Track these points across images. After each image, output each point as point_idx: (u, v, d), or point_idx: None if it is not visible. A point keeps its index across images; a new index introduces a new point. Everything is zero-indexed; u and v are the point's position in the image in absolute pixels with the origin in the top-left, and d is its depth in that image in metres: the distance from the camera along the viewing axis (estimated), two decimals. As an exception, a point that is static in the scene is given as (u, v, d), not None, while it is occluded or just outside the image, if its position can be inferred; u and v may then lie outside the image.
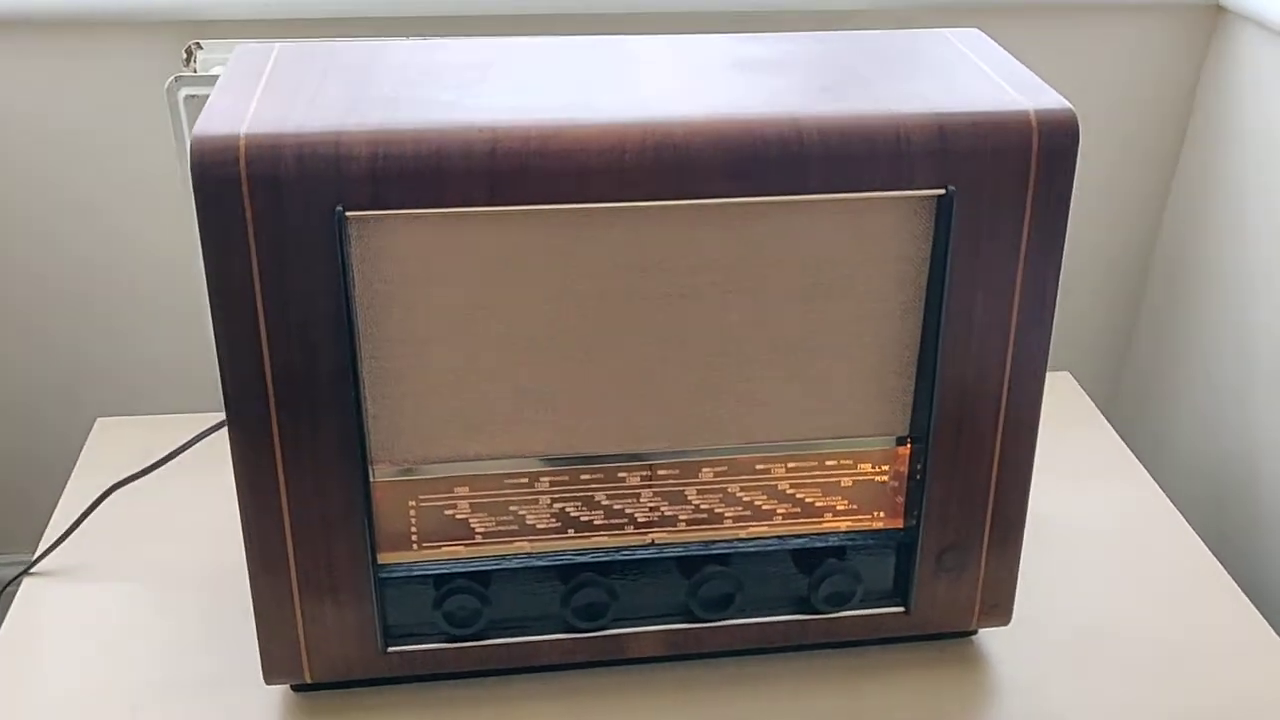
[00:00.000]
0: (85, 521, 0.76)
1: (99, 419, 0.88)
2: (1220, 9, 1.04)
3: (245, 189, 0.54)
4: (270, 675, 0.64)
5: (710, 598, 0.65)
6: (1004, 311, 0.61)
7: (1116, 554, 0.79)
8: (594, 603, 0.64)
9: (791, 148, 0.56)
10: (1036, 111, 0.58)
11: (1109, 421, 0.91)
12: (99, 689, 0.67)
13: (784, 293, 0.60)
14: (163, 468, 0.74)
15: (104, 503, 0.76)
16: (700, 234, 0.58)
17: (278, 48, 0.64)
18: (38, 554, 0.75)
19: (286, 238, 0.55)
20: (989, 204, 0.58)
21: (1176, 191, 1.13)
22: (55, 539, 0.76)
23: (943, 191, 0.58)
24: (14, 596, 0.74)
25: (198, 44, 0.88)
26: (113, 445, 0.85)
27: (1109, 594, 0.76)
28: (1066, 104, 0.58)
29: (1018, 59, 0.64)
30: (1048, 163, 0.58)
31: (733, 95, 0.59)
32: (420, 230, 0.56)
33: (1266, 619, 0.74)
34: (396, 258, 0.56)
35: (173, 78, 0.84)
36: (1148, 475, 0.86)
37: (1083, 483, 0.85)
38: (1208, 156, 1.09)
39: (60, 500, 0.80)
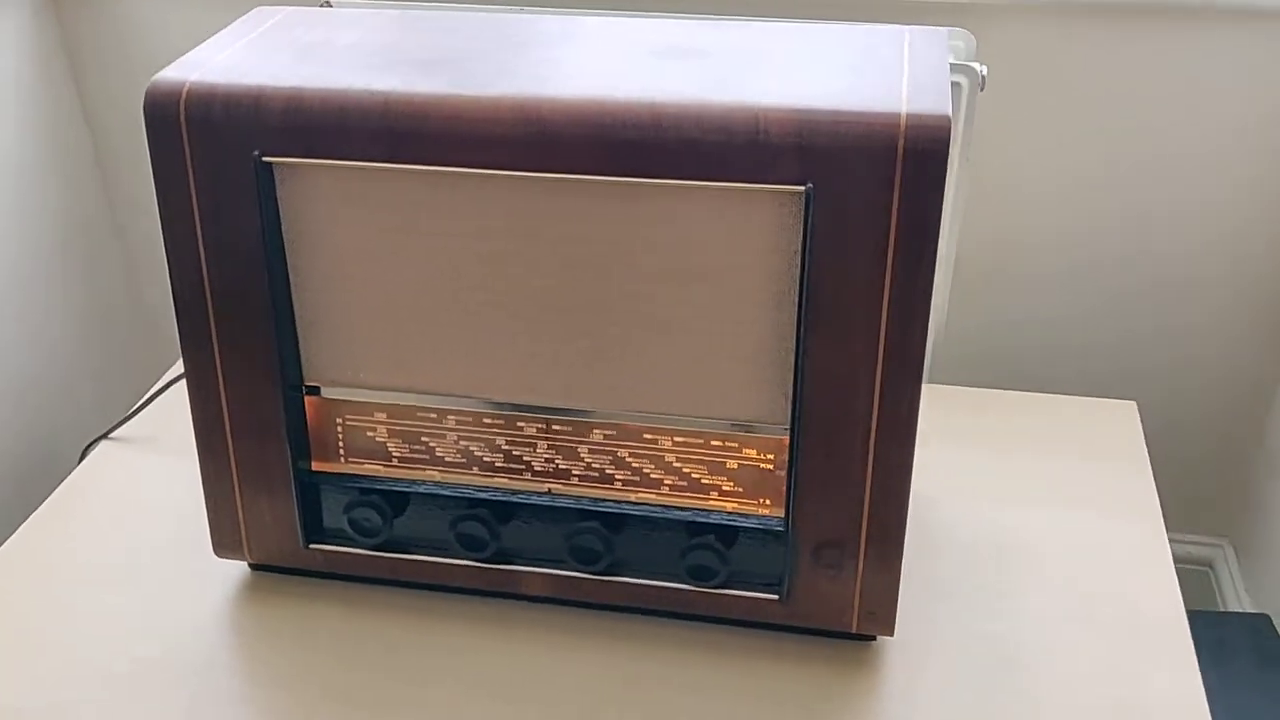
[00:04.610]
0: (152, 406, 0.90)
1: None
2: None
3: (184, 130, 0.63)
4: (218, 550, 0.74)
5: (579, 548, 0.69)
6: (874, 313, 0.60)
7: (1081, 593, 0.75)
8: (474, 535, 0.70)
9: (648, 132, 0.59)
10: (908, 114, 0.57)
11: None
12: (121, 539, 0.80)
13: (659, 273, 0.62)
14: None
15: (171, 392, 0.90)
16: (573, 207, 0.61)
17: (287, 10, 0.73)
18: (110, 426, 0.90)
19: (218, 175, 0.64)
20: (852, 203, 0.58)
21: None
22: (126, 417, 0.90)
23: (802, 187, 0.58)
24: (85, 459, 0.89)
25: (327, 3, 0.99)
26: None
27: (1054, 631, 0.72)
28: (945, 110, 0.57)
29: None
30: (914, 165, 0.57)
31: (620, 79, 0.62)
32: (330, 179, 0.63)
33: None
34: (313, 201, 0.64)
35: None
36: (1161, 523, 0.80)
37: (1083, 513, 0.81)
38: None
39: (150, 389, 0.95)
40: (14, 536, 0.81)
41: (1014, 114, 1.05)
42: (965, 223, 1.08)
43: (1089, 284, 1.12)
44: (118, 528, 0.81)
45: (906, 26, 0.68)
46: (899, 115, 0.57)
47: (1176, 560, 1.22)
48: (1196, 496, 1.20)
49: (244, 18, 0.72)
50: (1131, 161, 1.05)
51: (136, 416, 0.91)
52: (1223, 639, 0.89)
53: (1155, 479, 0.84)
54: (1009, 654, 0.71)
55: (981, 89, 0.87)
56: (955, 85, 0.86)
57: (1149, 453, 0.88)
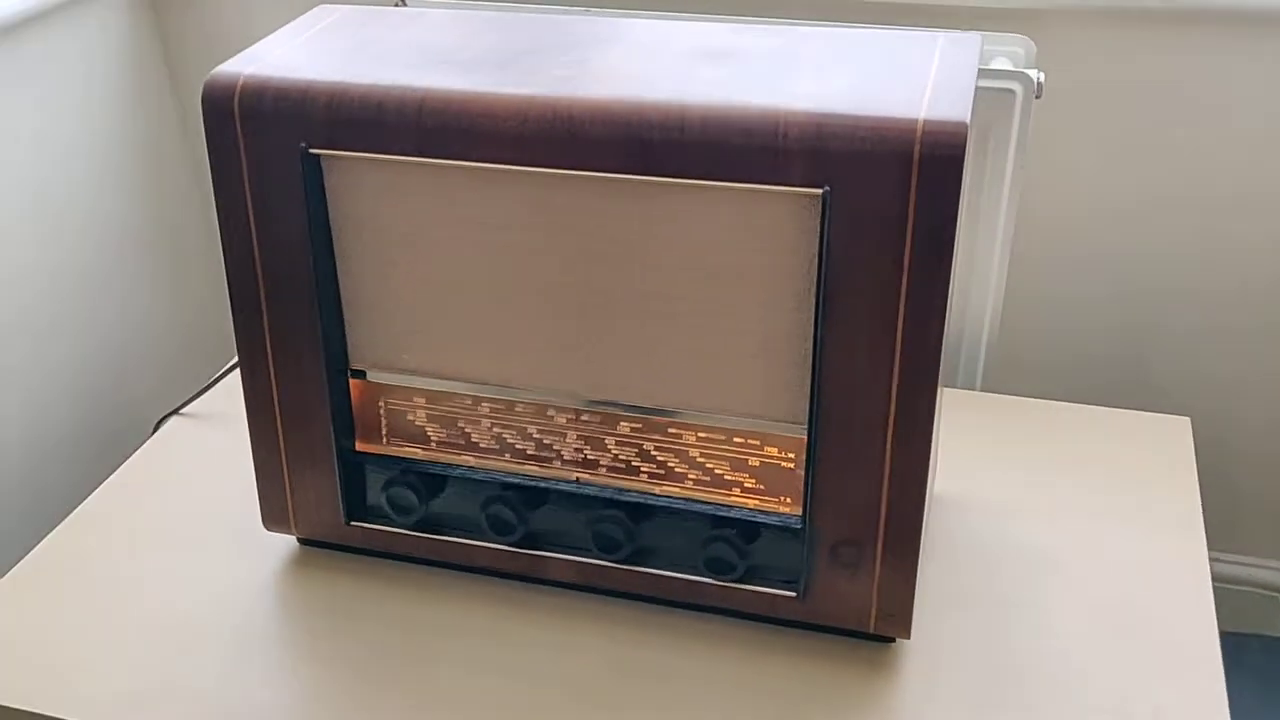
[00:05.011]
0: (220, 385, 0.95)
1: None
2: None
3: (238, 122, 0.66)
4: (268, 523, 0.78)
5: (602, 535, 0.70)
6: (890, 318, 0.61)
7: (1109, 608, 0.74)
8: (503, 519, 0.72)
9: (673, 133, 0.60)
10: (925, 120, 0.57)
11: None
12: (180, 511, 0.85)
13: (681, 272, 0.64)
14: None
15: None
16: (599, 205, 0.63)
17: (345, 9, 0.76)
18: (183, 401, 0.95)
19: (269, 165, 0.67)
20: (869, 206, 0.59)
21: None
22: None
23: (820, 190, 0.59)
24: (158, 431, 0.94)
25: (402, 1, 1.03)
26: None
27: (1079, 645, 0.72)
28: (963, 116, 0.57)
29: None
30: (930, 170, 0.57)
31: (650, 80, 0.63)
32: (372, 171, 0.66)
33: None
34: (357, 192, 0.67)
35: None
36: (1203, 543, 0.78)
37: (1122, 528, 0.80)
38: None
39: (223, 368, 0.99)
40: (84, 503, 0.86)
41: (1073, 121, 1.03)
42: (1019, 230, 1.07)
43: (1147, 293, 1.10)
44: (179, 500, 0.86)
45: (941, 32, 0.68)
46: (916, 121, 0.58)
47: (1247, 584, 1.19)
48: (1270, 519, 1.16)
49: (305, 16, 0.75)
50: (1195, 169, 1.03)
51: (206, 394, 0.95)
52: (1273, 664, 0.87)
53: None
54: (1030, 665, 0.70)
55: (1038, 96, 0.86)
56: (1009, 92, 0.85)
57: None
